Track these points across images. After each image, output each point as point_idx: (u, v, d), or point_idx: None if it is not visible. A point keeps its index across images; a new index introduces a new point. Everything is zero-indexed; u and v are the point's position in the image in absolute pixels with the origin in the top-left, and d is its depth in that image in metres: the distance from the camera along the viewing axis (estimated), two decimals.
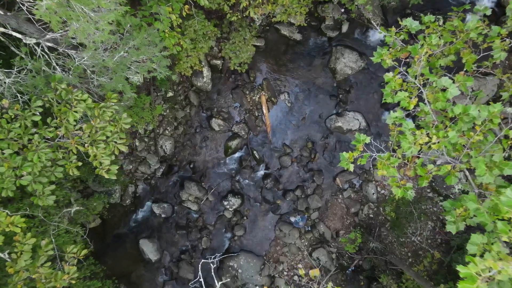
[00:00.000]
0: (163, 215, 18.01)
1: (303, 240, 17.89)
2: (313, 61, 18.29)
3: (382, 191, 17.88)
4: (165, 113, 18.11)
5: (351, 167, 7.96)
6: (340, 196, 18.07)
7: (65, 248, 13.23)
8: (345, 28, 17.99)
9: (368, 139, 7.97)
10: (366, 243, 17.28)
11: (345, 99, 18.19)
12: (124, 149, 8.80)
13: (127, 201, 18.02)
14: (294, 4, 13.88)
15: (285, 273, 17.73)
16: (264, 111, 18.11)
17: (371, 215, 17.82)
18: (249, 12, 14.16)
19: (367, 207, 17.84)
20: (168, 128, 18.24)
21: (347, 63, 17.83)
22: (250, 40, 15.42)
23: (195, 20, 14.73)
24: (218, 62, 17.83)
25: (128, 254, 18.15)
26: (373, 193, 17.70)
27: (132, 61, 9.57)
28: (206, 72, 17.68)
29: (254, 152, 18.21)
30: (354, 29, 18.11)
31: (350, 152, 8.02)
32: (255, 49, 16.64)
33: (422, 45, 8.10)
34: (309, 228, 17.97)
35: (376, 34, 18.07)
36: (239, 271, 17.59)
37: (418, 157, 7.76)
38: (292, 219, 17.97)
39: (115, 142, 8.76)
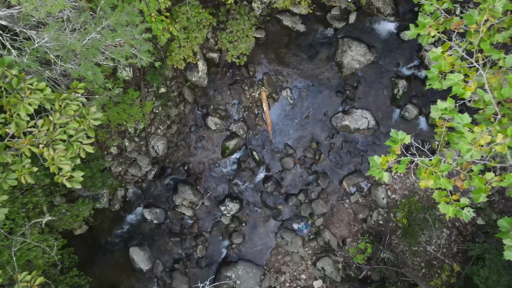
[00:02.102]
0: (155, 221, 16.11)
1: (306, 249, 15.99)
2: (317, 54, 16.38)
3: (393, 196, 15.97)
4: (157, 111, 16.21)
5: (386, 177, 5.99)
6: (347, 201, 16.17)
7: (35, 261, 11.42)
8: (352, 18, 16.09)
9: (408, 138, 6.01)
10: (375, 252, 15.38)
11: (353, 95, 16.28)
12: (91, 150, 6.89)
13: (116, 206, 16.12)
14: None
15: (287, 284, 15.84)
16: (265, 109, 16.21)
17: (381, 222, 15.93)
18: None
19: (376, 213, 15.94)
20: (160, 127, 16.34)
21: (354, 56, 15.93)
22: (249, 29, 13.52)
23: (187, 6, 12.83)
24: (215, 55, 15.93)
25: (117, 263, 16.23)
26: (383, 198, 15.80)
27: (106, 44, 7.68)
28: (201, 66, 15.77)
29: (254, 153, 16.32)
30: (363, 19, 16.21)
31: (383, 156, 6.00)
32: (254, 39, 14.75)
33: (481, 10, 6.04)
34: (313, 236, 16.07)
35: (386, 25, 16.17)
36: (237, 282, 15.70)
37: (474, 163, 5.82)
38: (295, 225, 16.07)
39: (81, 143, 6.85)
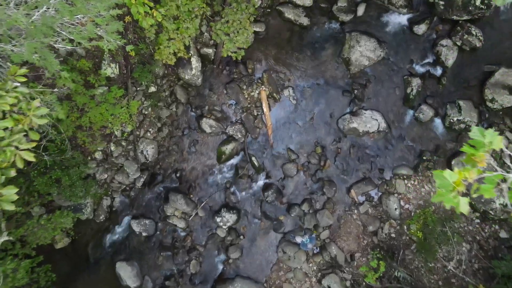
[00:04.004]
0: (144, 234, 14.18)
1: (311, 264, 14.03)
2: (322, 50, 14.51)
3: (406, 206, 14.03)
4: (146, 112, 14.33)
5: (465, 207, 3.76)
6: (356, 211, 14.23)
7: None
8: (361, 10, 14.23)
9: (500, 140, 3.73)
10: (388, 269, 13.43)
11: (361, 95, 14.39)
12: (31, 158, 4.99)
13: (101, 217, 14.19)
14: None
15: None
16: (265, 110, 14.33)
17: (393, 235, 13.98)
18: None
19: (388, 225, 14.00)
20: (150, 129, 14.45)
21: (363, 52, 14.06)
22: (247, 19, 11.67)
23: None
24: (210, 50, 14.06)
25: (103, 279, 14.29)
26: (395, 208, 13.86)
27: (63, 22, 5.83)
28: (195, 62, 13.92)
29: (253, 158, 14.41)
30: (372, 11, 14.35)
31: (458, 170, 3.84)
32: (253, 32, 12.91)
33: None
34: (318, 250, 14.12)
35: (398, 18, 14.30)
36: None
37: None
38: (298, 239, 14.12)
39: (16, 148, 4.95)
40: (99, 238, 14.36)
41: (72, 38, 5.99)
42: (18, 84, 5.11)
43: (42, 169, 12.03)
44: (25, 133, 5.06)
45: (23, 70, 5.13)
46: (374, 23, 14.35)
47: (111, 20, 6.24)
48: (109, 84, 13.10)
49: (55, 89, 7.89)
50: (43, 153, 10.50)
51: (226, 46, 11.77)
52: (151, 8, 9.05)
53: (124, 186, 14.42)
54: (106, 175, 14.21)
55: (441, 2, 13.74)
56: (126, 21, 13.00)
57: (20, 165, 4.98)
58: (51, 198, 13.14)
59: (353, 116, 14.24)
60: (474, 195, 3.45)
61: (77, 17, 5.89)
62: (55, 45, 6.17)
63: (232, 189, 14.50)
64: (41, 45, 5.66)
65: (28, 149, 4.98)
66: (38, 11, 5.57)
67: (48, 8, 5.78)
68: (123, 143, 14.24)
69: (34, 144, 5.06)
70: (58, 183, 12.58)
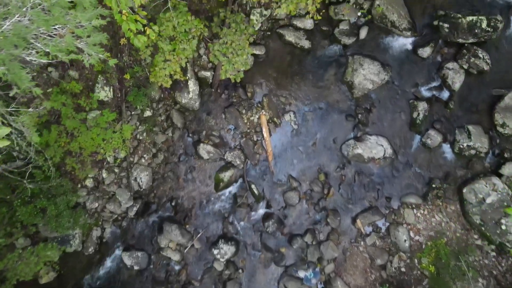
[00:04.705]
0: (136, 267, 13.07)
1: None
2: (324, 74, 13.88)
3: (417, 238, 12.99)
4: (141, 137, 13.54)
5: None
6: (362, 243, 13.17)
7: None
8: (363, 33, 13.70)
9: None
10: None
11: (365, 120, 13.64)
12: None
13: (90, 249, 13.12)
14: None
15: None
16: (265, 135, 13.54)
17: (403, 269, 12.85)
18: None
19: (397, 258, 12.90)
20: (144, 155, 13.62)
21: (367, 75, 13.43)
22: (247, 40, 11.07)
23: (174, 12, 10.43)
24: (208, 74, 13.43)
25: None
26: (405, 240, 12.82)
27: (38, 32, 5.12)
28: (192, 86, 13.26)
29: (252, 186, 13.50)
30: (375, 34, 13.81)
31: None
32: (253, 55, 12.32)
33: None
34: (323, 285, 12.96)
35: (402, 41, 13.76)
36: None
37: None
38: (301, 273, 12.99)
39: None
40: (88, 272, 13.24)
41: (48, 50, 5.28)
42: None
43: (27, 198, 11.12)
44: None
45: None
46: (377, 46, 13.79)
47: (93, 31, 5.54)
48: (102, 108, 12.39)
49: (30, 109, 7.08)
50: (26, 181, 9.61)
51: (224, 67, 11.13)
52: (144, 26, 8.40)
53: (116, 216, 13.44)
54: (97, 204, 13.25)
55: (446, 25, 13.22)
56: (122, 43, 12.46)
57: None
58: (36, 229, 12.16)
59: (357, 142, 13.44)
60: None
61: (55, 28, 5.20)
62: (27, 58, 5.46)
63: (230, 219, 13.51)
64: (10, 57, 4.93)
65: None
66: (10, 21, 4.87)
67: (24, 17, 5.08)
68: (116, 170, 13.37)
69: None
70: (43, 213, 11.65)
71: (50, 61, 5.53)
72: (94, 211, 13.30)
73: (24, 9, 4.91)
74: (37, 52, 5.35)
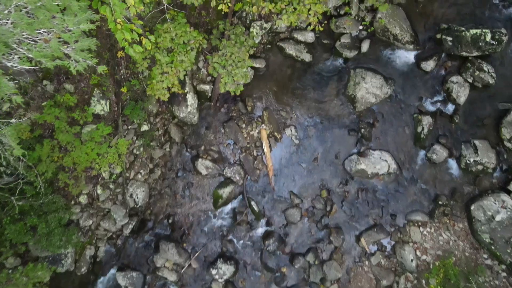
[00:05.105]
0: None
1: None
2: (326, 87, 13.51)
3: (424, 257, 12.37)
4: (138, 152, 13.06)
5: None
6: (367, 262, 12.55)
7: None
8: (365, 47, 13.39)
9: None
10: None
11: (368, 134, 13.20)
12: None
13: (83, 269, 12.48)
14: None
15: None
16: (265, 150, 13.08)
17: None
18: (244, 9, 9.59)
19: (403, 278, 12.25)
20: (141, 171, 13.12)
21: (369, 89, 13.05)
22: (247, 52, 10.72)
23: (172, 24, 10.11)
24: (207, 87, 13.05)
25: None
26: (412, 260, 12.20)
27: (21, 37, 4.71)
28: (191, 99, 12.86)
29: (252, 203, 12.95)
30: (377, 48, 13.50)
31: None
32: (252, 68, 11.97)
33: None
34: None
35: (405, 54, 13.43)
36: None
37: None
38: None
39: None
40: None
41: (31, 56, 4.86)
42: None
43: (16, 215, 10.56)
44: None
45: None
46: (380, 59, 13.46)
47: (81, 36, 5.13)
48: (97, 122, 11.97)
49: (13, 119, 6.63)
50: (14, 198, 9.09)
51: (223, 80, 10.73)
52: (140, 35, 8.03)
53: (111, 234, 12.86)
54: (91, 221, 12.69)
55: (449, 38, 12.91)
56: (119, 56, 12.14)
57: None
58: (26, 248, 11.56)
59: (360, 157, 12.96)
60: None
61: (40, 32, 4.80)
62: (8, 64, 5.03)
63: (229, 237, 12.91)
64: None
65: None
66: None
67: (7, 21, 4.68)
68: (111, 186, 12.85)
69: None
70: (34, 231, 11.08)
71: (33, 67, 5.10)
72: (88, 229, 12.72)
73: (6, 11, 4.52)
74: (20, 58, 4.94)
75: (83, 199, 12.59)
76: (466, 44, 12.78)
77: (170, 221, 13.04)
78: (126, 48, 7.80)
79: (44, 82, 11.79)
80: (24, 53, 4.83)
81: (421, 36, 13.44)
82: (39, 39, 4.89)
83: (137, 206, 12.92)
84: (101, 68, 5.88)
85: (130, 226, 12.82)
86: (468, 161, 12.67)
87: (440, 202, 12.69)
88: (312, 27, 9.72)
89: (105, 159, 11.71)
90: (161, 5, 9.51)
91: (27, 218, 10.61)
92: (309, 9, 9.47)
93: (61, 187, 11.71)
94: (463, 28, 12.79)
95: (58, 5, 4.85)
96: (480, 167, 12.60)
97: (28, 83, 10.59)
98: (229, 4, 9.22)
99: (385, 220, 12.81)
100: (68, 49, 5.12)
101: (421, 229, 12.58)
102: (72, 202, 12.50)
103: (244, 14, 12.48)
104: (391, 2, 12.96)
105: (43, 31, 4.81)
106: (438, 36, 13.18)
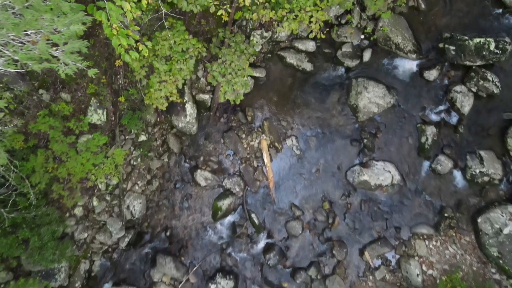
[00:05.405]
0: None
1: None
2: (327, 97, 13.22)
3: (430, 272, 11.90)
4: (135, 163, 12.70)
5: None
6: (371, 277, 12.07)
7: None
8: (367, 56, 13.14)
9: None
10: None
11: (371, 144, 12.85)
12: None
13: (77, 284, 12.01)
14: (307, 6, 9.04)
15: None
16: (266, 161, 12.72)
17: None
18: (245, 17, 9.35)
19: None
20: (138, 182, 12.74)
21: (372, 98, 12.76)
22: (247, 59, 10.44)
23: (171, 31, 9.85)
24: (206, 97, 12.76)
25: None
26: (417, 274, 11.73)
27: (7, 38, 4.41)
28: (190, 109, 12.55)
29: (252, 215, 12.54)
30: (379, 57, 13.25)
31: None
32: (254, 73, 11.70)
33: None
34: None
35: (407, 63, 13.17)
36: None
37: None
38: None
39: None
40: None
41: (17, 58, 4.55)
42: None
43: (8, 228, 10.15)
44: None
45: None
46: (382, 68, 13.20)
47: (71, 37, 4.83)
48: (94, 131, 11.63)
49: None
50: (5, 210, 8.69)
51: (223, 88, 10.44)
52: (136, 42, 7.76)
53: (106, 247, 12.42)
54: (86, 234, 12.26)
55: (452, 47, 12.66)
56: (117, 65, 11.87)
57: None
58: (18, 262, 11.11)
59: (363, 168, 12.59)
60: None
61: (27, 34, 4.50)
62: None
63: (229, 251, 12.46)
64: None
65: None
66: None
67: None
68: (108, 198, 12.45)
69: None
70: (26, 245, 10.64)
71: (18, 70, 4.79)
72: (83, 242, 12.29)
73: None
74: (5, 61, 4.63)
75: (78, 211, 12.19)
76: (470, 53, 12.52)
77: (167, 234, 12.61)
78: (122, 54, 7.52)
79: (40, 91, 11.50)
80: (10, 55, 4.53)
81: (423, 45, 13.20)
82: (27, 41, 4.59)
83: (134, 218, 12.51)
84: (92, 72, 5.57)
85: (127, 239, 12.39)
86: (473, 172, 12.29)
87: (445, 215, 12.27)
88: (314, 34, 9.46)
89: (101, 169, 11.34)
90: (160, 12, 9.27)
91: (19, 231, 10.19)
92: (310, 16, 9.22)
93: (55, 198, 11.32)
94: (466, 37, 12.55)
95: (50, 8, 4.56)
96: (486, 178, 12.22)
97: (23, 91, 10.28)
98: (229, 10, 8.97)
99: (389, 233, 12.37)
100: (57, 51, 4.82)
101: (427, 242, 12.14)
102: (67, 214, 12.09)
103: (244, 23, 12.26)
104: (393, 11, 12.74)
105: (31, 32, 4.52)
106: (441, 45, 12.93)
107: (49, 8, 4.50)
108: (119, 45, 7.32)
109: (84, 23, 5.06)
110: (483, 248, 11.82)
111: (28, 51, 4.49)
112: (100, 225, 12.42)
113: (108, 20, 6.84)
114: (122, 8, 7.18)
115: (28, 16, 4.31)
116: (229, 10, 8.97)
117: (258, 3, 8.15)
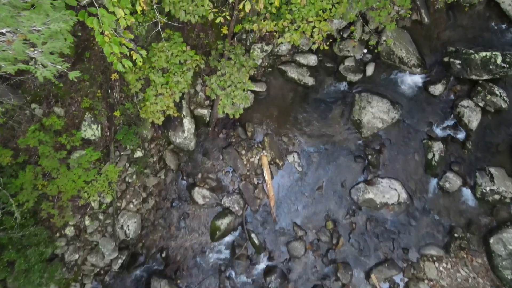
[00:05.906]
0: None
1: None
2: (330, 112, 12.73)
3: None
4: (130, 180, 12.10)
5: None
6: None
7: None
8: (370, 70, 12.72)
9: None
10: None
11: (376, 161, 12.28)
12: None
13: None
14: (309, 16, 8.64)
15: None
16: (266, 178, 12.12)
17: None
18: (245, 29, 8.94)
19: None
20: (133, 200, 12.10)
21: (376, 113, 12.26)
22: (247, 72, 9.99)
23: (168, 43, 9.43)
24: (205, 111, 12.26)
25: None
26: None
27: None
28: (187, 124, 12.03)
29: (252, 235, 11.85)
30: (383, 71, 12.83)
31: None
32: (254, 86, 11.24)
33: None
34: None
35: (412, 78, 12.74)
36: None
37: None
38: None
39: None
40: None
41: None
42: None
43: None
44: None
45: None
46: (386, 83, 12.75)
47: (52, 37, 4.34)
48: (88, 147, 11.07)
49: None
50: None
51: (222, 102, 9.94)
52: (130, 50, 7.30)
53: (98, 269, 11.68)
54: (77, 256, 11.54)
55: (457, 62, 12.26)
56: (113, 79, 11.43)
57: None
58: (3, 286, 10.36)
59: (368, 186, 11.98)
60: None
61: (3, 33, 4.02)
62: None
63: (227, 273, 11.71)
64: None
65: None
66: None
67: None
68: (100, 217, 11.79)
69: None
70: (12, 267, 9.94)
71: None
72: (74, 264, 11.56)
73: None
74: None
75: (69, 231, 11.51)
76: (476, 67, 12.10)
77: (163, 255, 11.88)
78: (114, 63, 7.03)
79: (33, 105, 11.02)
80: None
81: (428, 59, 12.80)
82: (2, 41, 4.11)
83: (128, 239, 11.81)
84: (73, 74, 5.05)
85: (120, 261, 11.66)
86: (484, 190, 11.68)
87: (455, 235, 11.59)
88: (316, 45, 9.04)
89: (94, 187, 10.73)
90: (157, 24, 8.85)
91: (4, 253, 9.51)
92: (313, 27, 8.80)
93: (44, 218, 10.67)
94: (471, 51, 12.15)
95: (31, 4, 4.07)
96: (497, 197, 11.59)
97: (13, 105, 9.79)
98: (228, 18, 8.56)
99: (397, 254, 11.66)
100: (35, 52, 4.33)
101: (437, 264, 11.41)
102: (57, 234, 11.41)
103: (244, 36, 11.88)
104: (396, 25, 12.38)
105: (6, 31, 4.04)
106: (446, 59, 12.53)
107: (29, 5, 4.03)
108: (112, 53, 6.87)
109: (66, 22, 4.57)
110: (496, 271, 11.11)
111: (2, 51, 4.00)
112: (92, 246, 11.72)
113: (100, 27, 6.41)
114: (115, 15, 6.76)
115: (3, 13, 3.83)
116: (228, 17, 8.56)
117: (259, 10, 7.74)
